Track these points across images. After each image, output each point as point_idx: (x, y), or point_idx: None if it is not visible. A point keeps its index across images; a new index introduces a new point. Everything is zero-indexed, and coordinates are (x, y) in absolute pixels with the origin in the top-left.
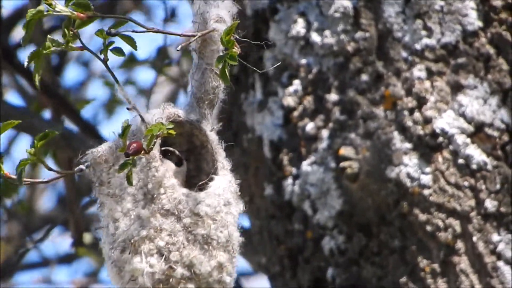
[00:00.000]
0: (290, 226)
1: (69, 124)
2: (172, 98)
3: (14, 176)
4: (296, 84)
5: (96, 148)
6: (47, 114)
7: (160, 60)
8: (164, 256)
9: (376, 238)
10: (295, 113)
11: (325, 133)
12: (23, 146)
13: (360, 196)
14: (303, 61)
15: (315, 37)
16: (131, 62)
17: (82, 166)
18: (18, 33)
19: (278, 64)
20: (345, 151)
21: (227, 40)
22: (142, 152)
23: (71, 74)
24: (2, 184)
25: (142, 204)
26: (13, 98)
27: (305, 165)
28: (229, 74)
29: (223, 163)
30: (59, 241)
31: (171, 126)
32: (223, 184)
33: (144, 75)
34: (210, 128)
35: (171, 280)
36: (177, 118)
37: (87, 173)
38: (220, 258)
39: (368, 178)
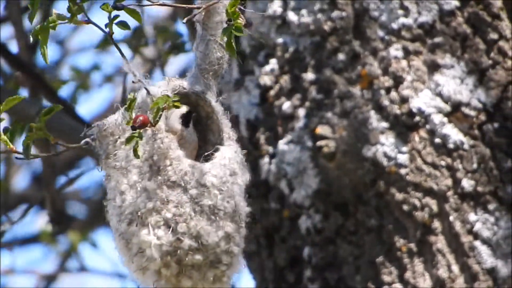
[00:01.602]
0: (266, 205)
1: (46, 103)
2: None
3: (20, 151)
4: (273, 63)
5: (101, 121)
6: (24, 92)
7: (136, 39)
8: (171, 228)
9: (352, 217)
10: (272, 92)
11: (301, 112)
12: None
13: (336, 175)
14: (280, 40)
15: (291, 16)
16: (107, 41)
17: (88, 139)
18: None
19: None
20: (321, 130)
21: (232, 12)
22: (149, 125)
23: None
24: None
25: (148, 176)
26: None
27: (282, 144)
28: (235, 45)
29: (229, 133)
30: (33, 220)
31: (176, 99)
32: (229, 154)
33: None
34: (215, 99)
35: (178, 251)
36: (182, 90)
37: (93, 145)
38: (227, 229)
39: (345, 157)
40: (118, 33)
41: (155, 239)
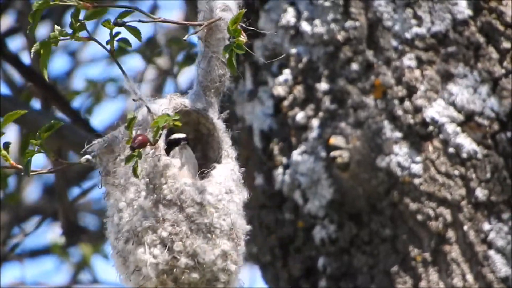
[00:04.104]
0: (281, 215)
1: (59, 114)
2: (160, 88)
3: (20, 166)
4: (286, 74)
5: (102, 138)
6: (36, 104)
7: (150, 49)
8: (167, 247)
9: (367, 227)
10: (285, 103)
11: (315, 122)
12: (9, 135)
13: (350, 185)
14: (293, 50)
15: (305, 26)
16: (120, 51)
17: (88, 156)
18: (6, 21)
19: (282, 56)
20: (335, 140)
21: (234, 29)
22: (148, 144)
23: (58, 64)
24: None
25: (144, 195)
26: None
27: (296, 155)
28: (235, 63)
29: (228, 151)
30: (45, 232)
31: (177, 117)
32: (225, 172)
33: (133, 64)
34: (217, 116)
35: (175, 270)
36: (183, 108)
37: (93, 163)
38: (224, 247)
39: (359, 167)
40: (132, 42)
41: (151, 258)
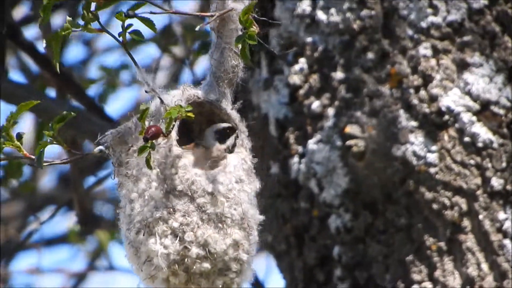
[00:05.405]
0: (296, 204)
1: (74, 103)
2: (176, 76)
3: (33, 157)
4: (302, 63)
5: (115, 129)
6: (51, 92)
7: (165, 38)
8: (178, 237)
9: (382, 216)
10: (301, 91)
11: (331, 111)
12: (24, 124)
13: (366, 174)
14: (309, 39)
15: (320, 15)
16: (134, 42)
17: (101, 147)
18: (21, 9)
19: (294, 49)
20: (351, 129)
21: (245, 20)
22: (161, 135)
23: (73, 53)
24: (9, 165)
25: (155, 185)
26: (15, 76)
27: (311, 144)
28: (249, 53)
29: (243, 140)
30: (61, 221)
31: (189, 109)
32: (235, 162)
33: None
34: (231, 107)
35: (186, 260)
36: (196, 99)
37: (106, 153)
38: (235, 236)
39: (374, 156)
40: (146, 32)
41: (162, 248)
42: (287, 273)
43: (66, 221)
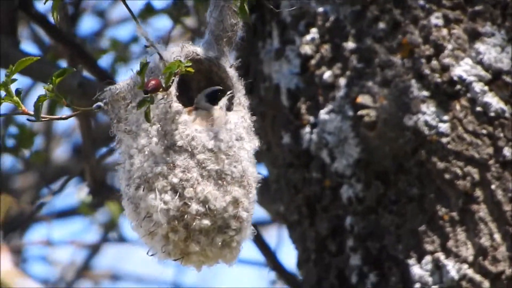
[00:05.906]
0: (308, 174)
1: (86, 73)
2: None
3: (31, 112)
4: (313, 33)
5: (114, 85)
6: (63, 63)
7: (177, 9)
8: (178, 193)
9: (394, 186)
10: (312, 62)
11: (342, 81)
12: (37, 92)
13: (377, 144)
14: (320, 9)
15: None
16: (148, 12)
17: (100, 103)
18: None
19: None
20: (362, 99)
21: None
22: (161, 89)
23: (87, 24)
24: (19, 134)
25: (155, 141)
26: (28, 47)
27: (323, 114)
28: (248, 10)
29: (240, 99)
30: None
31: (189, 64)
32: (235, 119)
33: (160, 24)
34: (229, 65)
35: (186, 216)
36: (195, 56)
37: (105, 109)
38: (235, 193)
39: (386, 126)
40: (159, 3)
41: (162, 204)
42: (299, 243)
43: (78, 193)
